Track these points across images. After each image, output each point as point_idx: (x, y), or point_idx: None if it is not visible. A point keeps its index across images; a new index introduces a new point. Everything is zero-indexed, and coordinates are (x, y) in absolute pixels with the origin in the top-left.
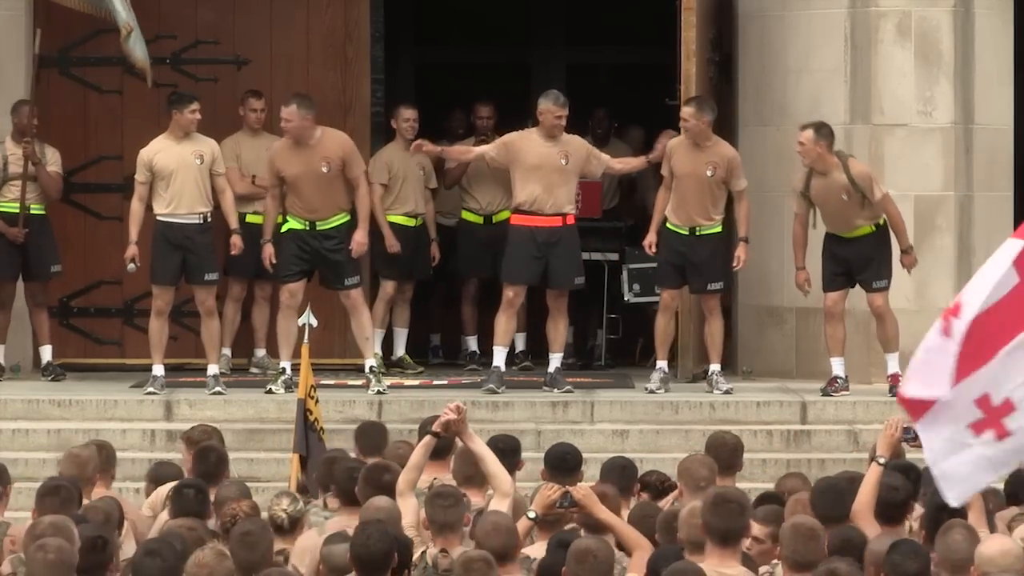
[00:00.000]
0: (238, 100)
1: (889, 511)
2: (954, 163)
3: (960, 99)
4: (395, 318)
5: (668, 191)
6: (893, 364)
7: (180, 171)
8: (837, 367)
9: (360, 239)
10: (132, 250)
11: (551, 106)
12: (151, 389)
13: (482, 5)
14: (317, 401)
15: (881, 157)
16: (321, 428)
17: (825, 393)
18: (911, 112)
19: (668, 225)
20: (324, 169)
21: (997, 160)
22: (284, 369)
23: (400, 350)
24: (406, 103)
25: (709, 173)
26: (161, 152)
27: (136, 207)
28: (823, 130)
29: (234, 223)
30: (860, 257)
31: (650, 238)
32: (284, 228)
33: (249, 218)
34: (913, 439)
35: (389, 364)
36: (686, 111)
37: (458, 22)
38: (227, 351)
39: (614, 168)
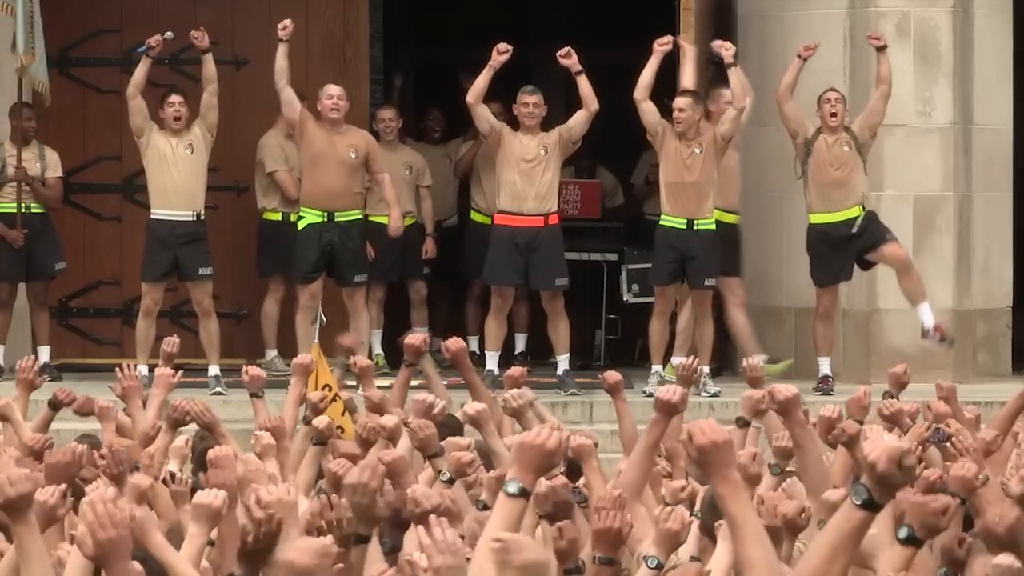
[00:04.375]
0: (237, 100)
1: None
2: (953, 163)
3: (959, 99)
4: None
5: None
6: (927, 315)
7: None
8: (826, 366)
9: (396, 218)
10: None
11: (519, 96)
12: None
13: (482, 5)
14: (334, 399)
15: (880, 157)
16: (339, 427)
17: (826, 392)
18: (910, 112)
19: (665, 221)
20: (352, 155)
21: (996, 160)
22: None
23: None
24: (384, 104)
25: (698, 151)
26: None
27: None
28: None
29: None
30: (863, 231)
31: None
32: (301, 224)
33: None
34: (942, 440)
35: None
36: (682, 101)
37: (458, 22)
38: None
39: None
